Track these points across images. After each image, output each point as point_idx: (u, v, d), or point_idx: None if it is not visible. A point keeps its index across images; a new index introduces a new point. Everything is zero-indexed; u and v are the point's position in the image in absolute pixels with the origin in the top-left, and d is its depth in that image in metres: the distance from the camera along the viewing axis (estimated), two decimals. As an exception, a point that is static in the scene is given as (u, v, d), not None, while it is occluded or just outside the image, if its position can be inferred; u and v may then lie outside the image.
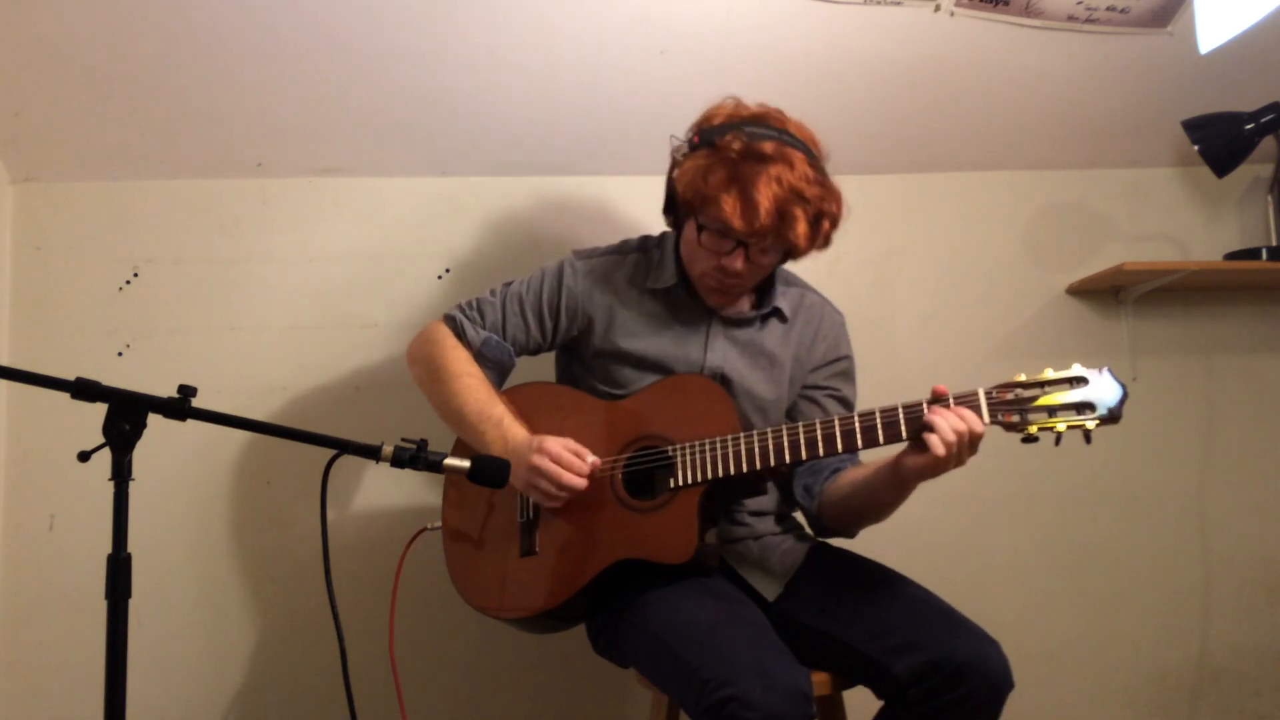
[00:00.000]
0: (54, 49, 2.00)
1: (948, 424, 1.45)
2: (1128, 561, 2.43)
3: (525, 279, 1.85)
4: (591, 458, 1.65)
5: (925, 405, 1.49)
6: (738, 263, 1.67)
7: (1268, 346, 2.51)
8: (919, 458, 1.49)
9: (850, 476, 1.69)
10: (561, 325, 1.82)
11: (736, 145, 1.61)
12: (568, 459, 1.63)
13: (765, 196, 1.58)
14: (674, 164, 1.72)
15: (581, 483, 1.63)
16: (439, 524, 1.82)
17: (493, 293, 1.85)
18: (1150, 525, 2.45)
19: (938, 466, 1.46)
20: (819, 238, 1.67)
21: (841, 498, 1.69)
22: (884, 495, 1.61)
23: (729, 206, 1.59)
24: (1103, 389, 1.43)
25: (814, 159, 1.66)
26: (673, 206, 1.77)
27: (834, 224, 1.68)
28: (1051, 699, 2.37)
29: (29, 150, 2.18)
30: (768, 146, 1.60)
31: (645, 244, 1.87)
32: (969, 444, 1.46)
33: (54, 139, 2.17)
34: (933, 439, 1.45)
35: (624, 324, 1.79)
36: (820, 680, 1.61)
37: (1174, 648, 2.43)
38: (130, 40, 2.00)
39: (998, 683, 1.48)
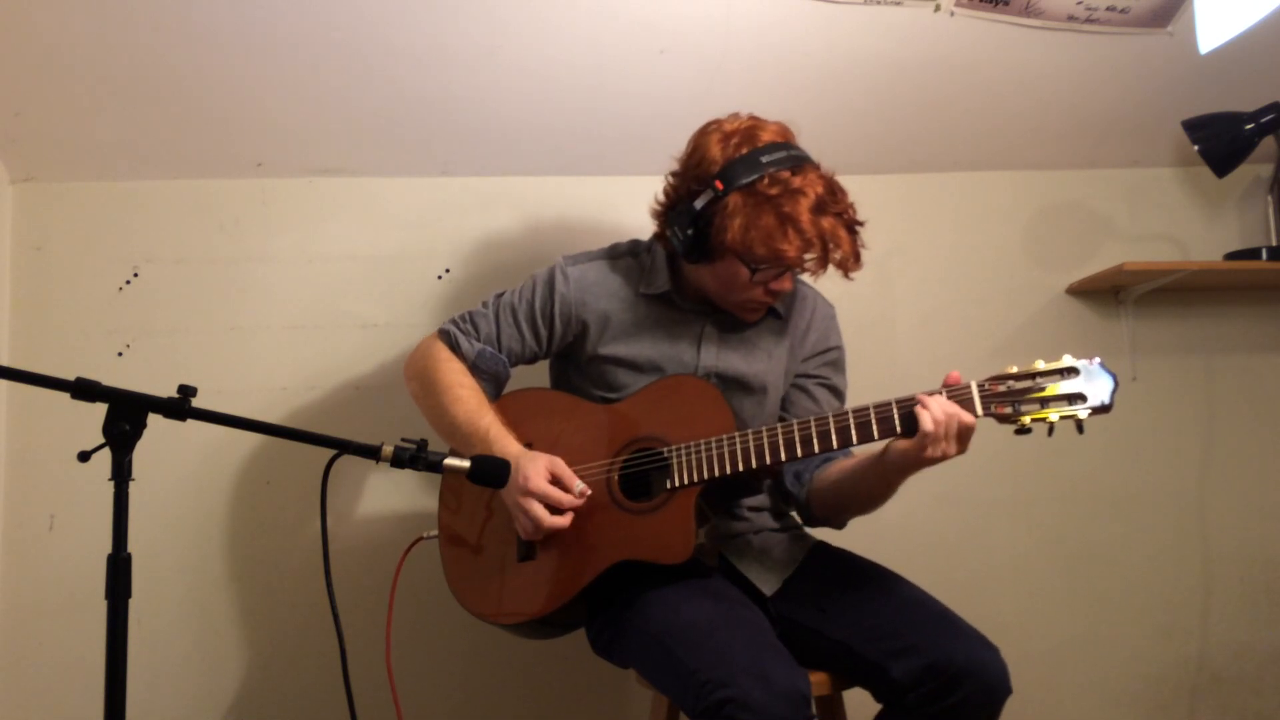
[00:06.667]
0: (54, 49, 2.00)
1: (939, 405, 1.46)
2: (1128, 561, 2.43)
3: (517, 288, 1.84)
4: (580, 486, 1.63)
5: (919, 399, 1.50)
6: (788, 284, 1.70)
7: (1268, 346, 2.51)
8: (904, 442, 1.49)
9: (840, 465, 1.70)
10: (556, 332, 1.82)
11: (773, 189, 1.59)
12: (554, 495, 1.62)
13: (812, 227, 1.59)
14: (695, 212, 1.64)
15: (562, 522, 1.62)
16: (435, 533, 1.82)
17: (485, 304, 1.84)
18: (1150, 525, 2.45)
19: (921, 450, 1.46)
20: (858, 244, 1.66)
21: (829, 485, 1.70)
22: (871, 484, 1.61)
23: (791, 249, 1.59)
24: (1094, 379, 1.44)
25: (811, 159, 1.66)
26: (702, 248, 1.68)
27: (859, 223, 1.67)
28: (1051, 699, 2.37)
29: (29, 150, 2.18)
30: (790, 176, 1.60)
31: (635, 248, 1.87)
32: (957, 433, 1.46)
33: (54, 139, 2.17)
34: (923, 414, 1.45)
35: (618, 328, 1.79)
36: (819, 680, 1.61)
37: (1174, 648, 2.43)
38: (130, 40, 2.00)
39: (996, 688, 1.48)
